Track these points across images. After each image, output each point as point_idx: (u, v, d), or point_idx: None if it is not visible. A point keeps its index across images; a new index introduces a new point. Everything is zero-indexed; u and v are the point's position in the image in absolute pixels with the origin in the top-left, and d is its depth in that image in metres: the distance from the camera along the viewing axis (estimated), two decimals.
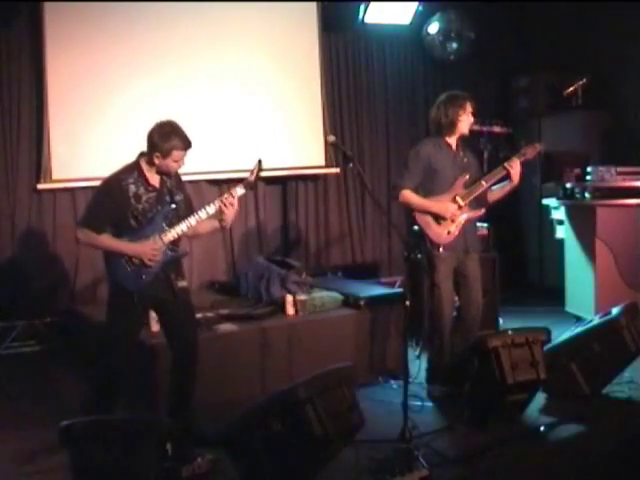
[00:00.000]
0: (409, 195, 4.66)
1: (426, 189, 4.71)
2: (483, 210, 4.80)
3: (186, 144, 3.82)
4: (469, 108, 4.74)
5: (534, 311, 6.48)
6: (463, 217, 4.69)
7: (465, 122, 4.74)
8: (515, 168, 4.68)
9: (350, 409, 3.50)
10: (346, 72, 7.31)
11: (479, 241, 5.06)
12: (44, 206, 6.11)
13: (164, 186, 3.91)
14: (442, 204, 4.65)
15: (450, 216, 4.65)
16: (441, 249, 4.62)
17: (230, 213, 3.91)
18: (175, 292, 3.93)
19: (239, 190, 3.95)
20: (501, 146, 5.76)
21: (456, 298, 4.87)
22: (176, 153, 3.79)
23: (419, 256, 4.47)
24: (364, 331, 5.17)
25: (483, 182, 4.70)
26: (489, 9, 7.57)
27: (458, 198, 4.67)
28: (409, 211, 4.74)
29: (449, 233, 4.66)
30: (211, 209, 3.89)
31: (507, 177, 4.74)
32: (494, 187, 4.80)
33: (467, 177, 4.70)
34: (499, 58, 7.85)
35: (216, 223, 4.00)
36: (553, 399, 4.52)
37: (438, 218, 4.66)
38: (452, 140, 4.78)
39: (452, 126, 4.73)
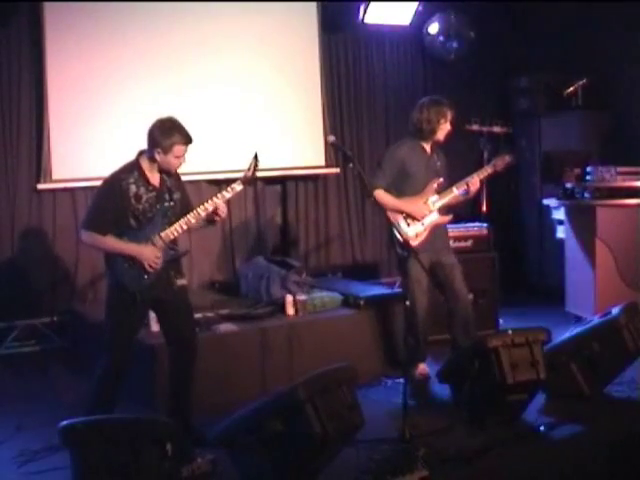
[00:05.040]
0: (382, 195, 4.76)
1: (399, 190, 4.84)
2: (451, 216, 4.96)
3: (187, 139, 3.83)
4: (449, 116, 4.85)
5: (534, 311, 6.47)
6: (431, 219, 4.81)
7: (444, 130, 4.86)
8: (475, 185, 4.85)
9: (350, 409, 3.49)
10: (346, 72, 7.31)
11: (449, 245, 5.14)
12: (44, 206, 6.10)
13: (164, 185, 3.92)
14: (415, 205, 4.79)
15: (421, 218, 4.76)
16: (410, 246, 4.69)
17: (222, 216, 3.97)
18: (175, 291, 3.94)
19: (237, 186, 3.97)
20: (501, 146, 5.76)
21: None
22: (177, 148, 3.81)
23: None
24: (364, 331, 5.18)
25: (454, 189, 4.87)
26: (489, 9, 7.57)
27: (429, 202, 4.79)
28: (382, 210, 4.80)
29: (417, 235, 4.77)
30: (210, 205, 3.91)
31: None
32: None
33: (439, 181, 4.84)
34: (499, 58, 7.84)
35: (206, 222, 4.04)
36: (553, 399, 4.52)
37: (407, 219, 4.78)
38: (427, 144, 4.91)
39: (431, 133, 4.85)
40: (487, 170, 4.93)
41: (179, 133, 3.81)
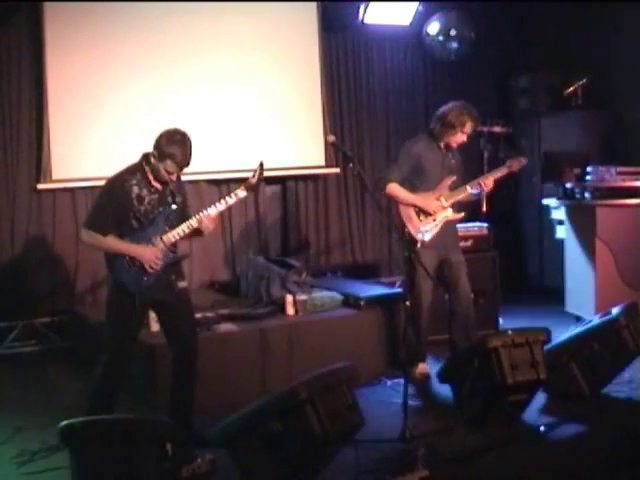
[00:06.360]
0: (396, 188, 4.77)
1: (412, 185, 4.84)
2: (463, 214, 4.95)
3: (183, 160, 3.76)
4: (468, 128, 4.82)
5: (534, 311, 6.48)
6: (443, 215, 4.81)
7: (457, 138, 4.84)
8: (489, 185, 4.87)
9: (350, 409, 3.49)
10: (346, 72, 7.31)
11: (458, 243, 5.16)
12: (44, 206, 6.10)
13: (167, 188, 3.90)
14: (427, 199, 4.79)
15: (434, 213, 4.77)
16: (419, 244, 4.72)
17: (208, 229, 3.92)
18: (176, 293, 3.94)
19: (240, 192, 3.95)
20: (501, 146, 5.77)
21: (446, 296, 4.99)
22: (170, 163, 3.75)
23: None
24: (364, 331, 5.18)
25: (468, 187, 4.87)
26: (489, 9, 7.57)
27: (442, 199, 4.82)
28: (392, 204, 4.85)
29: (428, 230, 4.78)
30: (212, 210, 3.89)
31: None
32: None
33: (453, 179, 4.85)
34: (499, 58, 7.84)
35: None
36: (553, 399, 4.52)
37: (420, 214, 4.79)
38: (442, 143, 4.90)
39: (441, 135, 4.85)
40: (502, 171, 4.93)
41: (180, 151, 3.73)
